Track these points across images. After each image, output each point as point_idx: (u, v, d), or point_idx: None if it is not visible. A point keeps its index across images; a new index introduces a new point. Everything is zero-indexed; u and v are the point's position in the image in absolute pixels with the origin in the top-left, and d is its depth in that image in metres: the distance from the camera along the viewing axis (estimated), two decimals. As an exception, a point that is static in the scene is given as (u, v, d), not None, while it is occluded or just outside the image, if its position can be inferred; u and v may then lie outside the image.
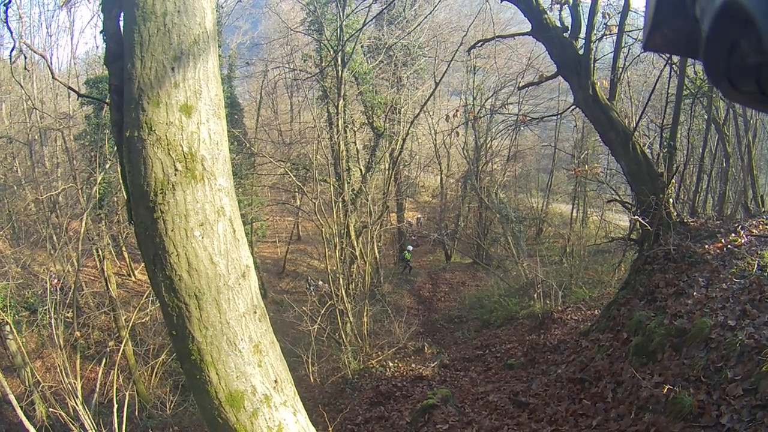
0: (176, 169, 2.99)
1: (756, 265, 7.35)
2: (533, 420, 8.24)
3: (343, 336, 15.24)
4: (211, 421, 3.44)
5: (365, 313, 16.23)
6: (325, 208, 17.68)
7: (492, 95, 27.97)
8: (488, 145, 29.60)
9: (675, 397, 5.99)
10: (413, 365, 13.74)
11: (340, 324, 15.41)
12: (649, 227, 9.74)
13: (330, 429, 9.51)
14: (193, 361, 3.21)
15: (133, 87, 3.00)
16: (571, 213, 30.89)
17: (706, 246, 8.65)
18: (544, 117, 19.84)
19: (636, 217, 10.25)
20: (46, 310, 13.46)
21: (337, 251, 16.78)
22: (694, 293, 7.67)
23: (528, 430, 7.84)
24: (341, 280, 16.09)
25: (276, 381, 3.49)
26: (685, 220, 9.99)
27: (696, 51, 0.70)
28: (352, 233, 18.85)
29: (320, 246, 20.48)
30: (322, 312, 15.33)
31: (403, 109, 25.81)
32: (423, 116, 29.61)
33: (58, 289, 17.92)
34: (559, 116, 21.91)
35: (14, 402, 9.76)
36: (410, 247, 27.94)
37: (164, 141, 2.97)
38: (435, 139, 32.71)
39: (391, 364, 13.72)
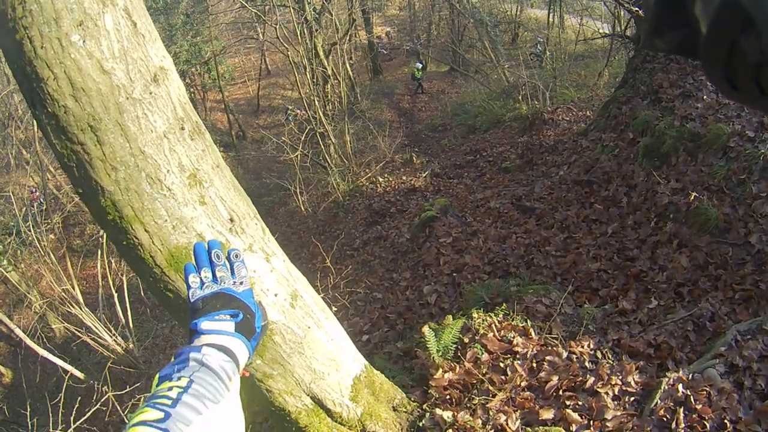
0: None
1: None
2: (542, 227, 7.83)
3: (328, 159, 14.97)
4: (160, 297, 2.56)
5: (347, 132, 15.81)
6: (289, 33, 16.56)
7: None
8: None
9: (698, 207, 5.75)
10: (404, 177, 13.48)
11: (322, 147, 15.05)
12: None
13: (327, 259, 9.18)
14: (111, 221, 2.27)
15: None
16: (548, 18, 29.67)
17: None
18: None
19: (630, 5, 9.51)
20: (29, 226, 12.85)
21: (308, 74, 15.95)
22: (704, 97, 7.18)
23: (538, 238, 7.42)
24: (317, 102, 15.41)
25: (232, 219, 2.51)
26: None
27: (695, 51, 0.61)
28: (321, 53, 17.87)
29: (291, 75, 19.74)
30: (302, 138, 14.84)
31: None
32: None
33: (41, 200, 17.46)
34: None
35: (25, 338, 9.68)
36: (419, 65, 26.07)
37: None
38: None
39: (381, 180, 13.49)
